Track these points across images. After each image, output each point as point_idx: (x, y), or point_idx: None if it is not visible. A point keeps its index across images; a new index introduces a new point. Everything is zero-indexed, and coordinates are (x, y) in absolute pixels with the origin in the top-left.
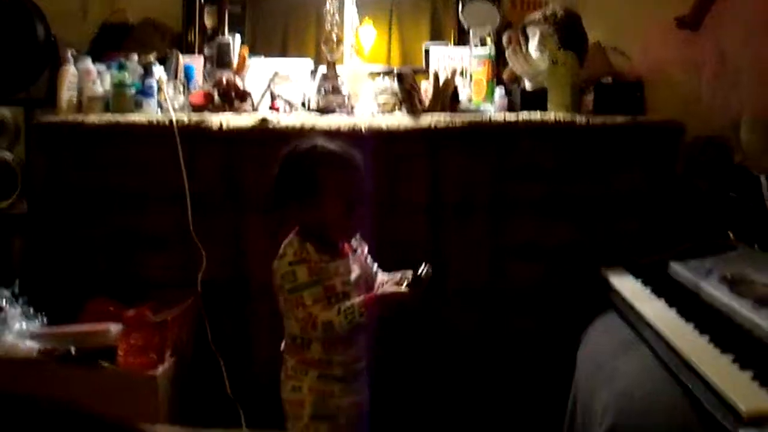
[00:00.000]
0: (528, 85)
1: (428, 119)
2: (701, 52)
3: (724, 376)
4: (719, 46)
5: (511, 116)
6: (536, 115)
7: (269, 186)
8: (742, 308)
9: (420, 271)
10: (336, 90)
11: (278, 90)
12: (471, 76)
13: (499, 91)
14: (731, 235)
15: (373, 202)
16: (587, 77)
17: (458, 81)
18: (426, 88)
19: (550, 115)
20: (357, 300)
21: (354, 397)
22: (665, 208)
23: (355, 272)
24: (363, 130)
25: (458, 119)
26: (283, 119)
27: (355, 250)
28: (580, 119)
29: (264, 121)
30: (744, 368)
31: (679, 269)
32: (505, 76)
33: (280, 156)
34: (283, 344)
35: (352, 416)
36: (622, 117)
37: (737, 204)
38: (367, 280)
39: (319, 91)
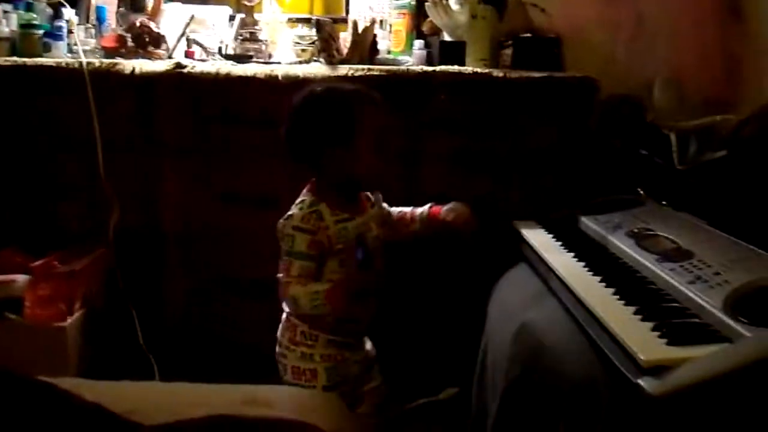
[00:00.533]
0: (447, 38)
1: (345, 69)
2: (619, 13)
3: (626, 328)
4: (637, 7)
5: (428, 68)
6: (454, 68)
7: (284, 138)
8: (646, 262)
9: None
10: (253, 37)
11: (194, 36)
12: (391, 27)
13: (418, 43)
14: (641, 191)
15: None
16: (507, 32)
17: (378, 31)
18: (345, 37)
19: (468, 68)
20: (323, 288)
21: (359, 356)
22: (579, 163)
23: (373, 231)
24: (279, 78)
25: (375, 70)
26: (199, 66)
27: (373, 205)
28: (498, 73)
29: (178, 66)
30: (646, 320)
31: (589, 223)
32: (425, 28)
33: (294, 105)
34: (286, 307)
35: (357, 375)
36: (539, 72)
37: (648, 161)
38: (384, 237)
39: (236, 38)
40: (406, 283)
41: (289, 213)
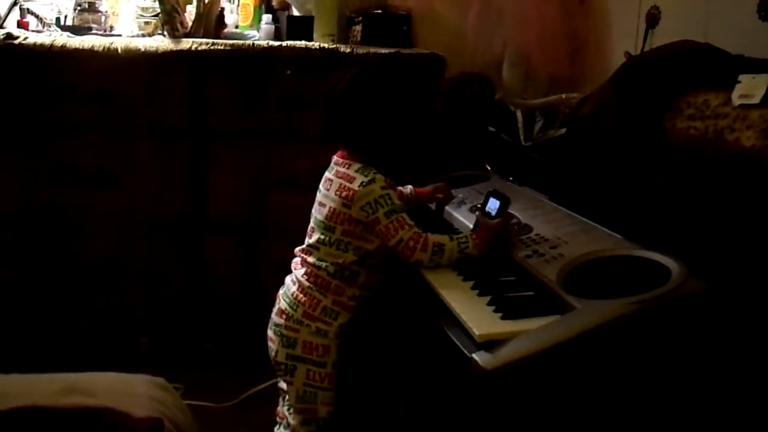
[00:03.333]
0: (297, 13)
1: (188, 43)
2: None
3: (463, 303)
4: None
5: (275, 43)
6: (301, 43)
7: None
8: None
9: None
10: (93, 8)
11: (29, 5)
12: (239, 1)
13: (266, 18)
14: (488, 167)
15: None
16: (357, 8)
17: (225, 5)
18: (191, 11)
19: (315, 44)
20: (468, 233)
21: None
22: (426, 140)
23: None
24: (119, 51)
25: (220, 44)
26: (32, 37)
27: None
28: (345, 49)
29: (9, 37)
30: (482, 294)
31: None
32: (274, 2)
33: (358, 81)
34: (306, 281)
35: None
36: (387, 49)
37: (495, 138)
38: None
39: (75, 8)
40: (255, 262)
41: (365, 180)
